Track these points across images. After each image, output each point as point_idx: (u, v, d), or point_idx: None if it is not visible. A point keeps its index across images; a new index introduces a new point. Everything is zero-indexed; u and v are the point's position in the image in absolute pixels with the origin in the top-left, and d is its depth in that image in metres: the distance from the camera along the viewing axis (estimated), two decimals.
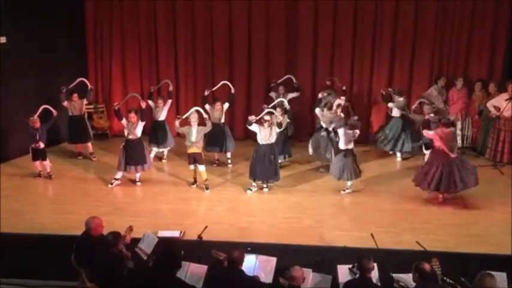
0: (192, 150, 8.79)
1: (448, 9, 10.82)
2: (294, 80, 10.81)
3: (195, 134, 8.71)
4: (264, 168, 8.56)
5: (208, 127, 8.85)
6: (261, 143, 8.58)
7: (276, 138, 8.70)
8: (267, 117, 8.50)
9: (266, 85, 11.18)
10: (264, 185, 8.84)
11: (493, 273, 4.92)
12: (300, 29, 11.34)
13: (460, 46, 10.95)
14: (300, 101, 11.29)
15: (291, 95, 10.59)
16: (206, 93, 9.85)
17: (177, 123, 8.74)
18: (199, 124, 8.81)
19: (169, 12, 11.63)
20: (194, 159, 8.83)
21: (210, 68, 11.78)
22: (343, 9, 11.15)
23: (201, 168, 8.87)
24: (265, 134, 8.51)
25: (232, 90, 9.99)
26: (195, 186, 9.01)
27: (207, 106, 9.56)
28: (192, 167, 8.96)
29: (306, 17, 11.24)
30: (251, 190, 8.77)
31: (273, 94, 10.68)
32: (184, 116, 8.80)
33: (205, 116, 8.89)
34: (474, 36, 10.84)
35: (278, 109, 9.08)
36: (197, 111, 8.86)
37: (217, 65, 11.72)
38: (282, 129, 8.74)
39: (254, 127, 8.52)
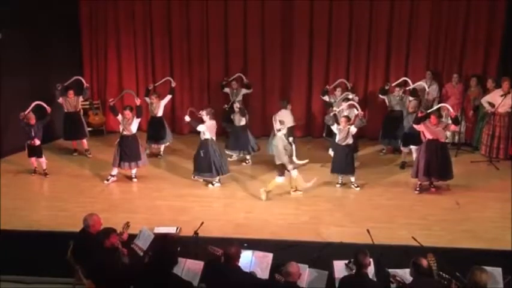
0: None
1: (443, 4, 10.82)
2: (245, 79, 10.92)
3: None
4: (203, 163, 8.65)
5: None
6: (202, 138, 8.69)
7: (237, 134, 9.56)
8: (202, 113, 8.60)
9: (264, 85, 11.26)
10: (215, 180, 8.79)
11: (488, 268, 4.96)
12: (296, 28, 11.33)
13: (455, 42, 10.94)
14: (294, 100, 11.34)
15: (244, 91, 10.80)
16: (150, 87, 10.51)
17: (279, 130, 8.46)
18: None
19: (165, 10, 11.59)
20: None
21: (205, 67, 11.75)
22: (338, 9, 11.15)
23: (294, 173, 8.39)
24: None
25: (173, 84, 10.34)
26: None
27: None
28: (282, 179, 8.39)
29: (301, 16, 11.24)
30: (212, 185, 8.79)
31: (227, 90, 10.88)
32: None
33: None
34: (469, 33, 10.83)
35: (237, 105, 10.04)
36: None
37: (213, 64, 11.69)
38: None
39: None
